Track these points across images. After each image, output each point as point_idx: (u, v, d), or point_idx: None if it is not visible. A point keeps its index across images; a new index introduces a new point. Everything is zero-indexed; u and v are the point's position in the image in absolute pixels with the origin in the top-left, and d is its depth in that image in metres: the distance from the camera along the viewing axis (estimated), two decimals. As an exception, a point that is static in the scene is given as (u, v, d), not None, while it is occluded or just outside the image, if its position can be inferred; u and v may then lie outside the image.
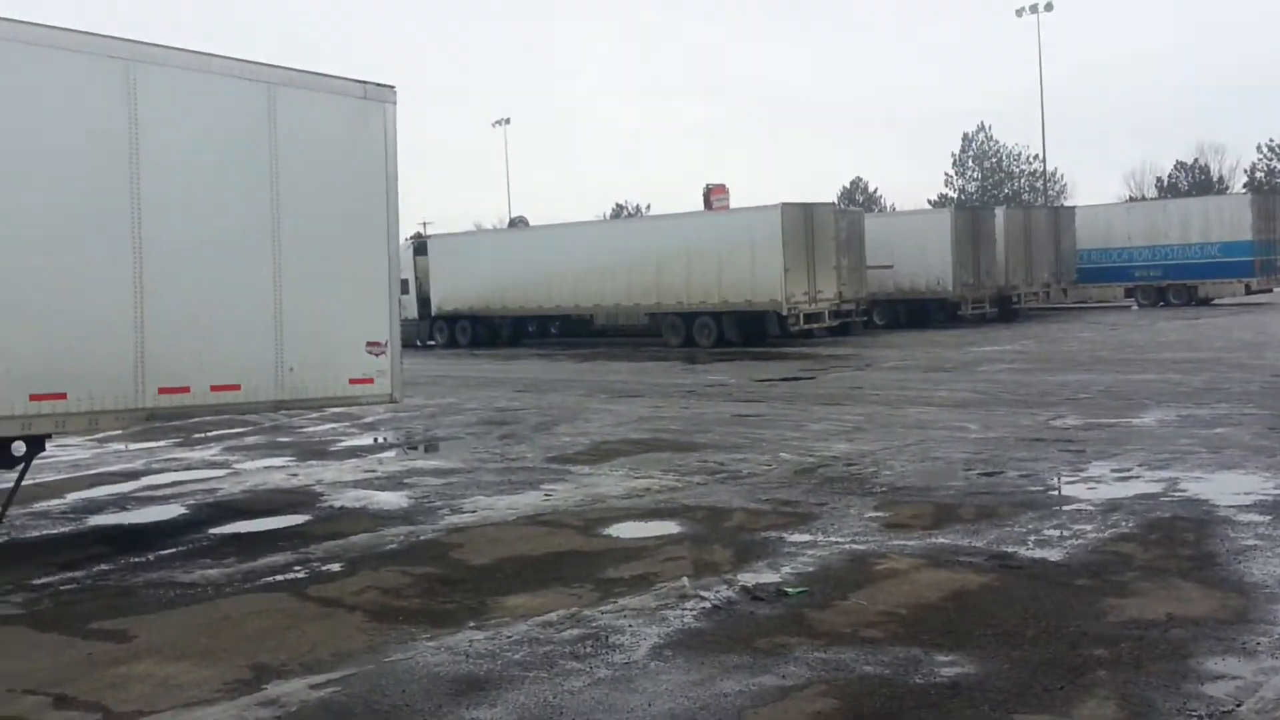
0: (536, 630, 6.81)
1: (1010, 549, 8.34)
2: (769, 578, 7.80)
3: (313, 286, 10.28)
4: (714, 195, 39.55)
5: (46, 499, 12.01)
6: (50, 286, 8.74)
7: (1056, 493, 10.54)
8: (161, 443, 16.36)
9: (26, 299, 8.60)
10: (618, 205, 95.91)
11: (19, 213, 8.59)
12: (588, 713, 5.46)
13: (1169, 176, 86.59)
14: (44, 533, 10.47)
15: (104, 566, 8.93)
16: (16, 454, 8.96)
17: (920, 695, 5.52)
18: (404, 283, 40.19)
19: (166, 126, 9.38)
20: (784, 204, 32.55)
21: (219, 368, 9.73)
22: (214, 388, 9.70)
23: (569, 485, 11.76)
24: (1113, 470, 11.33)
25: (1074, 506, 9.77)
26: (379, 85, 10.95)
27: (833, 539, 8.89)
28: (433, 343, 40.38)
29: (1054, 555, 8.15)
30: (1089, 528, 8.92)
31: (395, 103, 11.00)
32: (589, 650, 6.41)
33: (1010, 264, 40.02)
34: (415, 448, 15.76)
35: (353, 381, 10.65)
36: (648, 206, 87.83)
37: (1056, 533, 8.82)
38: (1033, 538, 8.66)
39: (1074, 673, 5.75)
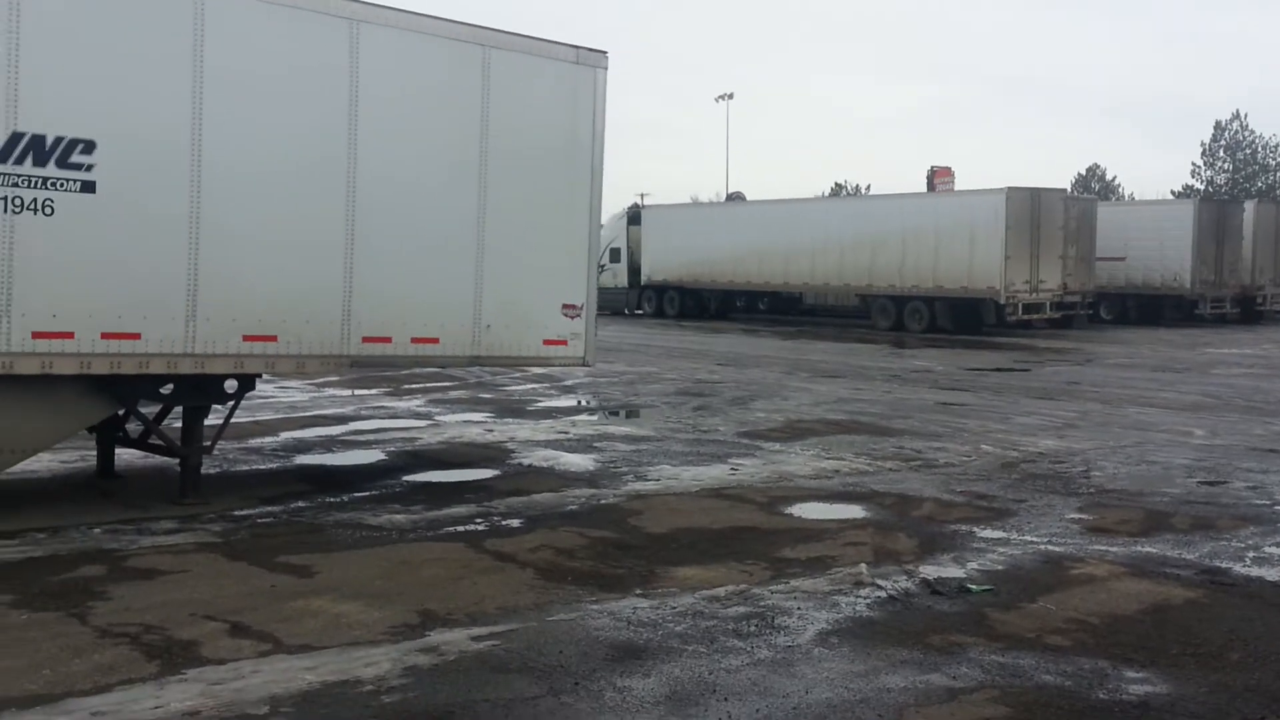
0: (702, 604, 6.67)
1: (1224, 564, 7.66)
2: (953, 572, 7.42)
3: (513, 246, 10.40)
4: (938, 178, 38.31)
5: (261, 436, 12.66)
6: (267, 236, 9.12)
7: (1286, 509, 9.64)
8: (373, 391, 17.04)
9: (246, 247, 9.00)
10: (837, 184, 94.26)
11: (245, 163, 8.98)
12: (741, 693, 5.28)
13: None
14: (253, 467, 11.03)
15: (301, 504, 9.32)
16: (229, 391, 9.44)
17: (1102, 711, 5.10)
18: (615, 251, 40.78)
19: (385, 84, 9.62)
20: (1009, 188, 31.18)
21: (419, 321, 9.97)
22: (414, 340, 9.95)
23: (757, 461, 11.56)
24: (1354, 489, 10.30)
25: (1304, 525, 8.91)
26: (591, 50, 10.95)
27: (1027, 538, 8.39)
28: (640, 311, 40.76)
29: (1273, 575, 7.44)
30: (1319, 549, 8.11)
31: (606, 68, 10.98)
32: (753, 629, 6.22)
33: (1257, 262, 37.20)
34: (610, 413, 15.87)
35: (546, 342, 10.74)
36: (867, 187, 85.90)
37: (1279, 551, 8.05)
38: (1251, 554, 7.94)
39: (1279, 702, 5.20)
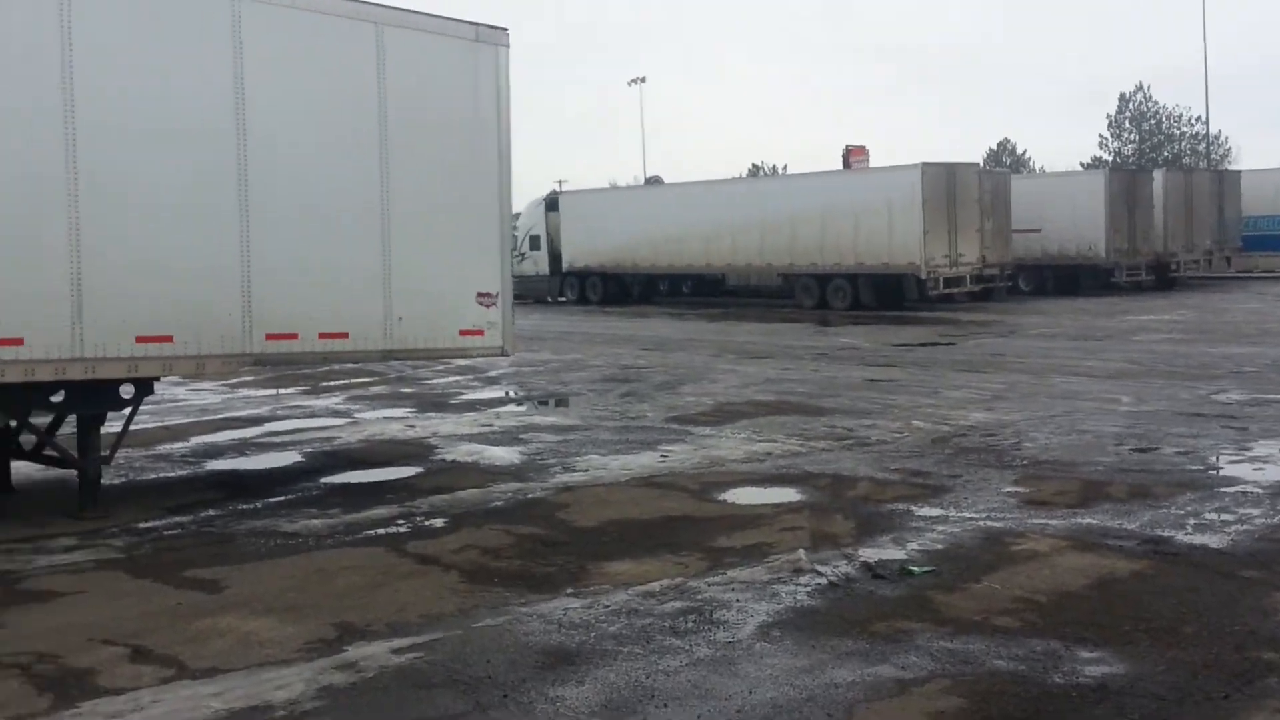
0: (637, 601, 6.37)
1: (1166, 533, 7.54)
2: (893, 554, 7.20)
3: (421, 235, 9.96)
4: (853, 156, 38.26)
5: (170, 442, 12.08)
6: (158, 232, 8.59)
7: (1218, 472, 9.60)
8: (289, 389, 16.45)
9: (135, 243, 8.47)
10: (754, 166, 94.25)
11: (127, 156, 8.43)
12: (681, 697, 4.98)
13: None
14: (161, 475, 10.48)
15: (211, 512, 8.83)
16: (125, 396, 8.89)
17: (1060, 698, 4.88)
18: (535, 239, 40.22)
19: (273, 68, 9.11)
20: (924, 163, 31.25)
21: (327, 316, 9.52)
22: (321, 335, 9.50)
23: (687, 446, 11.28)
24: (1283, 450, 10.32)
25: (1238, 488, 8.85)
26: (491, 27, 10.53)
27: (966, 514, 8.21)
28: (563, 299, 40.26)
29: (1215, 542, 7.33)
30: (1255, 512, 8.04)
31: (508, 46, 10.57)
32: (690, 626, 5.93)
33: (1169, 230, 37.72)
34: (535, 403, 15.49)
35: (462, 333, 10.34)
36: (784, 168, 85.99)
37: (1218, 517, 7.97)
38: (1191, 521, 7.83)
39: (1240, 678, 5.03)
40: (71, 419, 9.05)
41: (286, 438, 12.49)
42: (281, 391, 16.26)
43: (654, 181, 45.25)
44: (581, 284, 39.95)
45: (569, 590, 6.60)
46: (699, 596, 6.42)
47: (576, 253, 39.57)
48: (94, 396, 8.73)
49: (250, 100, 8.93)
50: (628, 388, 16.09)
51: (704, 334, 25.72)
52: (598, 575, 6.90)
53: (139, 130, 8.50)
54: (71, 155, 8.12)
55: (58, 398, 8.73)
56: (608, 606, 6.27)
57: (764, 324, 28.35)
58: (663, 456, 10.78)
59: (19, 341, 7.95)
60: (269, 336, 9.15)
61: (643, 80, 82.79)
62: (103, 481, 9.07)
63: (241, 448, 11.92)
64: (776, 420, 12.79)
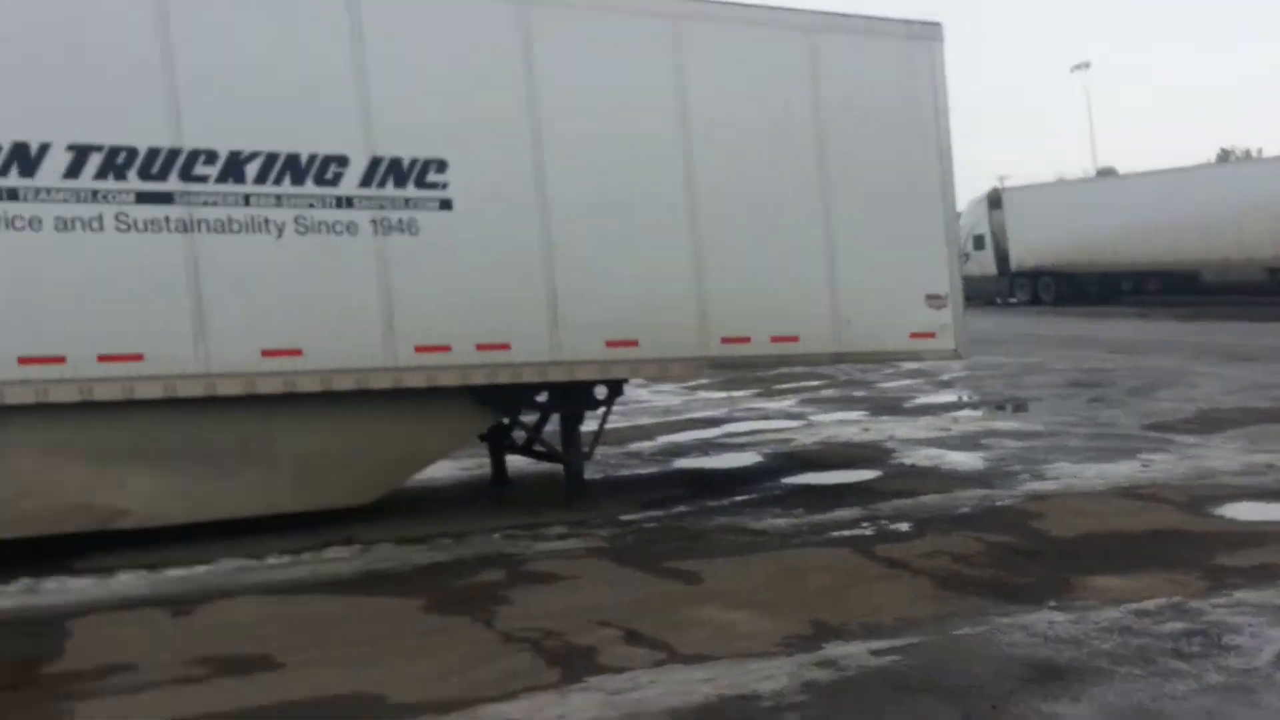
0: (1129, 618, 5.90)
1: None
2: None
3: (865, 238, 9.91)
4: (1351, 130, 33.56)
5: (639, 440, 12.84)
6: (619, 240, 9.14)
7: None
8: (743, 392, 16.98)
9: (599, 251, 9.07)
10: (1223, 150, 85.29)
11: (584, 173, 9.03)
12: (1195, 725, 4.55)
13: None
14: (634, 472, 11.16)
15: (682, 508, 9.26)
16: (599, 397, 9.56)
17: None
18: (979, 238, 38.90)
19: (713, 82, 9.42)
20: None
21: (777, 320, 9.72)
22: (773, 338, 9.71)
23: (1170, 456, 10.38)
24: None
25: None
26: (924, 23, 10.30)
27: None
28: (1013, 300, 38.58)
29: None
30: None
31: (942, 40, 10.31)
32: (1196, 649, 5.41)
33: None
34: (993, 407, 14.92)
35: (912, 335, 10.19)
36: (1259, 151, 77.03)
37: None
38: None
39: None
40: (555, 418, 9.88)
41: (745, 439, 12.88)
42: (735, 395, 16.81)
43: (1106, 173, 42.26)
44: (1032, 284, 38.10)
45: (1051, 603, 6.24)
46: (1203, 618, 5.85)
47: (1025, 251, 37.77)
48: (572, 397, 9.46)
49: (693, 111, 9.30)
50: (1094, 392, 15.09)
51: (1176, 334, 23.62)
52: (1082, 589, 6.48)
53: (606, 152, 9.10)
54: (541, 174, 8.83)
55: (542, 398, 9.53)
56: (1097, 623, 5.86)
57: (1247, 323, 25.58)
58: (1144, 465, 9.99)
59: (506, 346, 8.79)
60: (723, 340, 9.48)
61: (1087, 66, 77.35)
62: (585, 476, 9.81)
63: (704, 447, 12.44)
64: (1274, 428, 11.47)
